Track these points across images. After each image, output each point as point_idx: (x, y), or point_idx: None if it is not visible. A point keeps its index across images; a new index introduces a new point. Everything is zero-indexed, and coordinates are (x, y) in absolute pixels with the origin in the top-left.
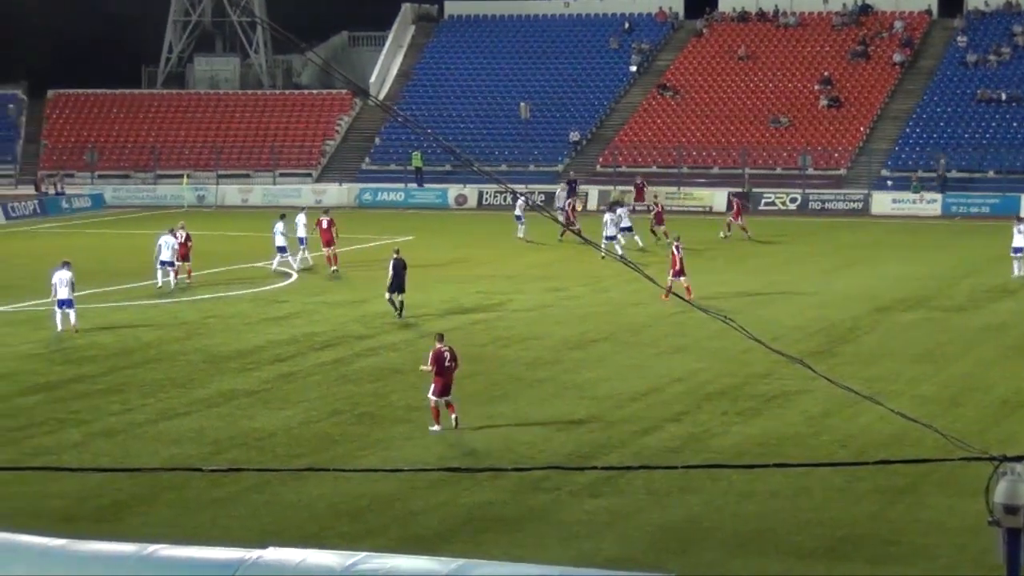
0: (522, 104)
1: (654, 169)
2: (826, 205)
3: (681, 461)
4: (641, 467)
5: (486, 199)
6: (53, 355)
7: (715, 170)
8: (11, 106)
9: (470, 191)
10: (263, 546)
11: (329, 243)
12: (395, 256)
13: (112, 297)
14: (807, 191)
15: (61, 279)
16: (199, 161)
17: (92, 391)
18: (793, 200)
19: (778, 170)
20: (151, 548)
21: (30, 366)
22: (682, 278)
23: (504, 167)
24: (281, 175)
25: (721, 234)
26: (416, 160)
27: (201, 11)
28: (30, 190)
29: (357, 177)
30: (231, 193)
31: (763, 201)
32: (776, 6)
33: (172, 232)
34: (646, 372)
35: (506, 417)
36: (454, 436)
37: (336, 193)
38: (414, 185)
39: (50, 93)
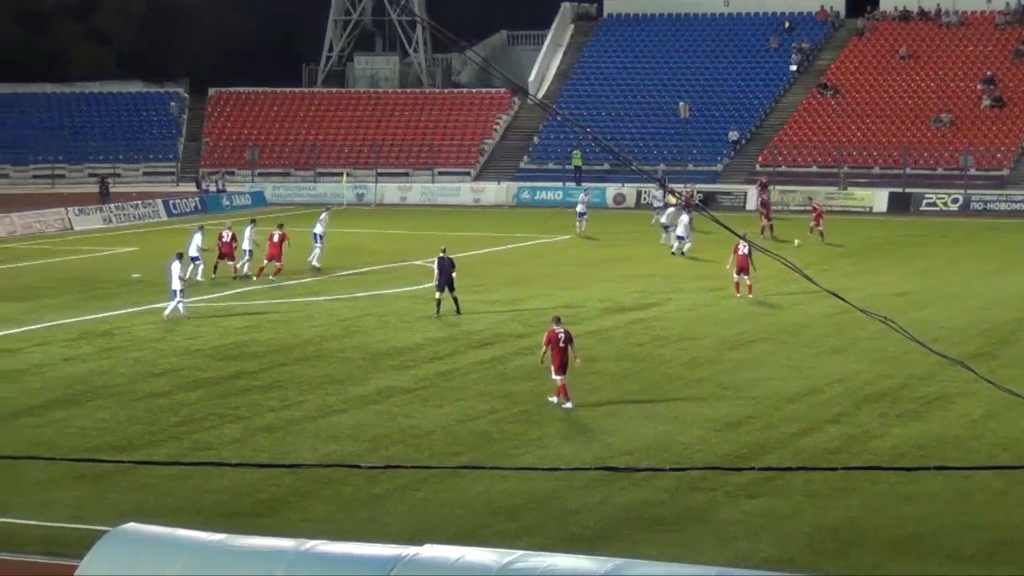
0: (681, 103)
1: (814, 169)
2: (988, 206)
3: (840, 462)
4: (799, 468)
5: (645, 198)
6: (214, 351)
7: (875, 170)
8: (173, 104)
9: (628, 190)
10: (420, 543)
11: (274, 258)
12: (441, 255)
13: (272, 294)
14: (969, 192)
15: (174, 270)
16: (359, 159)
17: (252, 387)
18: (955, 201)
19: (939, 170)
20: (309, 544)
21: (191, 362)
22: (745, 276)
23: (662, 166)
24: (440, 174)
25: (796, 242)
26: (576, 159)
27: (361, 10)
28: (191, 187)
29: (515, 176)
30: (390, 191)
31: (924, 202)
32: (938, 5)
33: (219, 233)
34: (805, 373)
35: (664, 417)
36: (612, 437)
37: (494, 192)
38: (572, 184)
39: (211, 91)
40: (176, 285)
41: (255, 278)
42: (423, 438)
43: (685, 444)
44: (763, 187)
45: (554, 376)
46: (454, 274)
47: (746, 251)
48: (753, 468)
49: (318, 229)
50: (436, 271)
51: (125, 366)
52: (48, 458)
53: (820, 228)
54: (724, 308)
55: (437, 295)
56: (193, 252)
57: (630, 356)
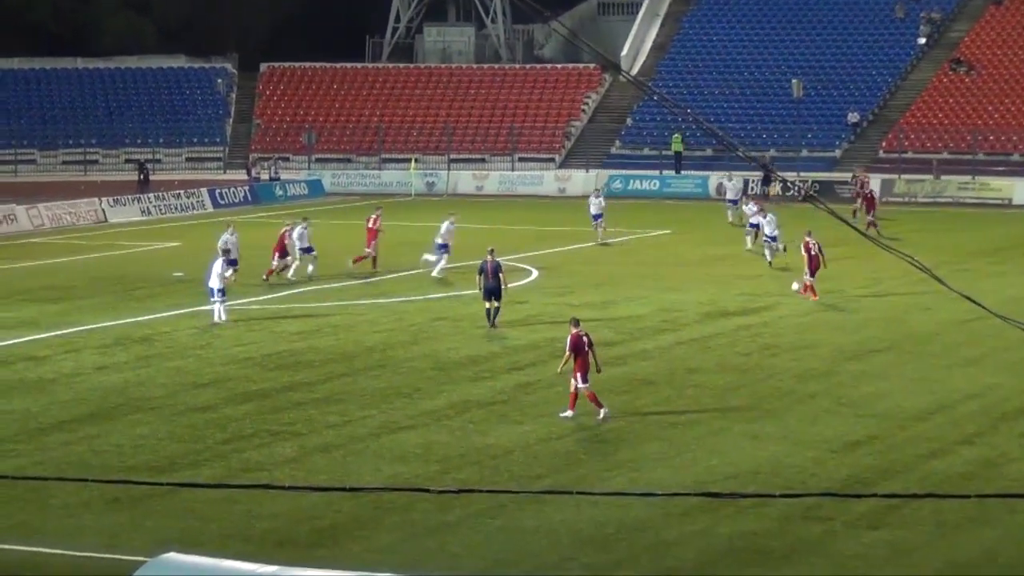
0: (794, 81)
1: (945, 155)
2: None
3: (974, 489)
4: (928, 495)
5: (752, 188)
6: (266, 360)
7: (1015, 157)
8: (220, 81)
9: (734, 179)
10: None
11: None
12: (488, 258)
13: (332, 295)
14: None
15: (216, 269)
16: (428, 144)
17: (308, 400)
18: None
19: None
20: None
21: (240, 372)
22: (808, 276)
23: (773, 152)
24: (520, 160)
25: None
26: (676, 143)
27: None
28: (240, 175)
29: (605, 162)
30: (464, 179)
31: None
32: None
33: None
34: (934, 387)
35: (773, 436)
36: (715, 459)
37: (582, 180)
38: (671, 172)
39: (263, 67)
40: (217, 284)
41: (352, 264)
42: (501, 459)
43: (797, 467)
44: (861, 183)
45: (580, 385)
46: (502, 280)
47: (816, 250)
48: (875, 495)
49: (303, 243)
50: (479, 277)
51: (165, 376)
52: (79, 479)
53: (871, 218)
54: (842, 313)
55: (486, 305)
56: (305, 243)
57: (735, 367)
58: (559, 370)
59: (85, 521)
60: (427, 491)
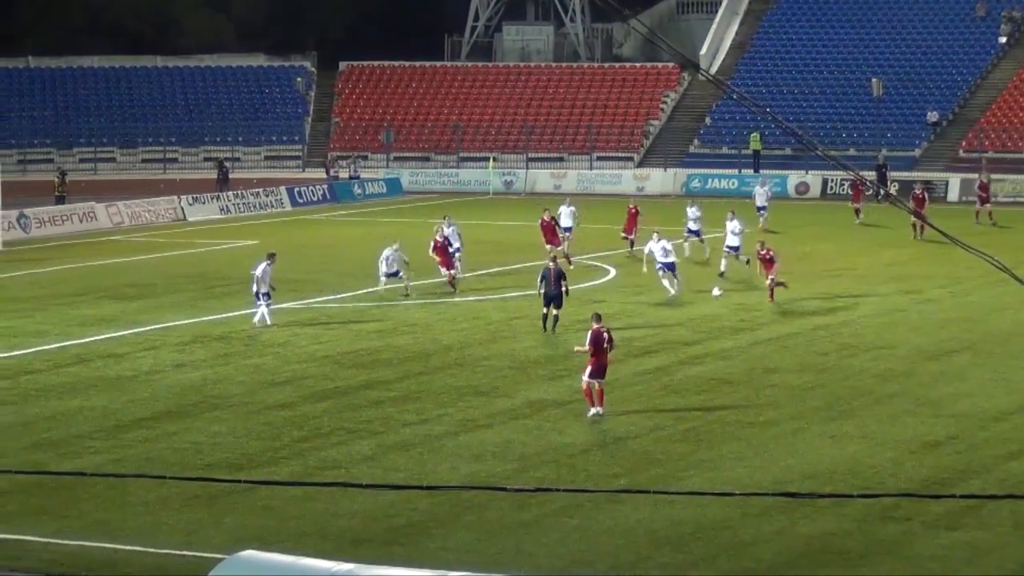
0: (874, 80)
1: None
2: None
3: None
4: (1007, 496)
5: (831, 188)
6: (343, 358)
7: None
8: (299, 79)
9: (812, 178)
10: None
11: (553, 243)
12: (550, 264)
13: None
14: None
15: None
16: (507, 142)
17: (385, 399)
18: None
19: None
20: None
21: (318, 370)
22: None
23: (852, 151)
24: (598, 159)
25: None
26: (755, 142)
27: None
28: (319, 173)
29: (684, 162)
30: (542, 178)
31: None
32: None
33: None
34: (1014, 387)
35: (852, 437)
36: (793, 458)
37: (660, 179)
38: (750, 170)
39: (342, 65)
40: (262, 287)
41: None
42: (577, 457)
43: (876, 468)
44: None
45: (589, 379)
46: (564, 288)
47: (768, 253)
48: (954, 495)
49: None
50: (539, 282)
51: (244, 374)
52: (158, 476)
53: (985, 207)
54: (921, 313)
55: (544, 311)
56: (458, 243)
57: (814, 367)
58: (575, 348)
59: (164, 518)
60: (504, 489)
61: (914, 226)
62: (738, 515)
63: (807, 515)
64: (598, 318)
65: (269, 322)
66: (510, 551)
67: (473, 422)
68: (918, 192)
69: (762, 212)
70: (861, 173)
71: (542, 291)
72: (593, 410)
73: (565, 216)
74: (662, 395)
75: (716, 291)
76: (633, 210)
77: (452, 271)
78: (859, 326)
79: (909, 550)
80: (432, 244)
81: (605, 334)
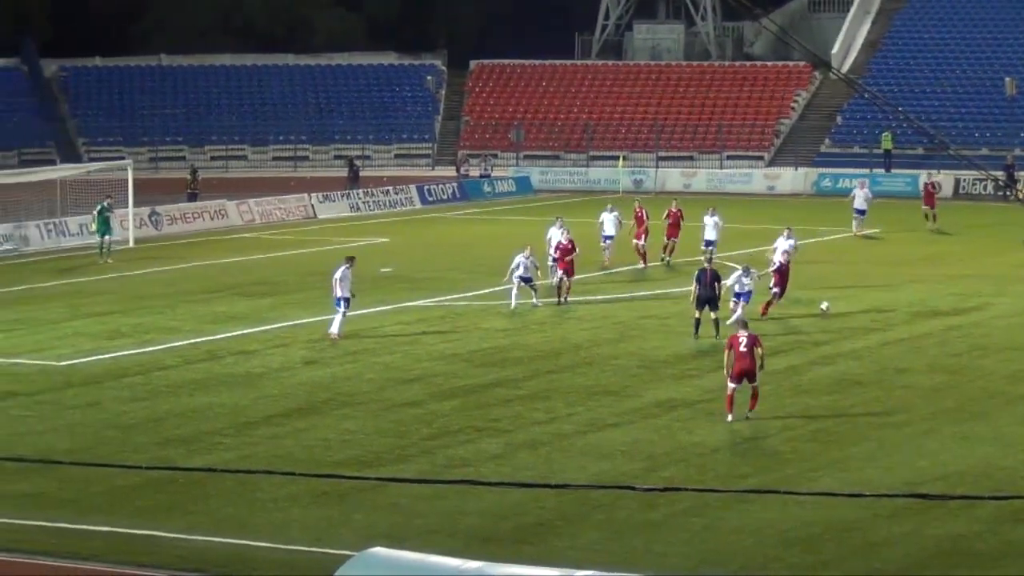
0: (1007, 79)
1: None
2: None
3: None
4: None
5: (963, 187)
6: (472, 356)
7: None
8: (429, 78)
9: (945, 178)
10: None
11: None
12: (706, 265)
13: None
14: None
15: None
16: (637, 141)
17: (514, 397)
18: None
19: None
20: (578, 574)
21: (446, 368)
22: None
23: (985, 151)
24: (728, 158)
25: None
26: (886, 142)
27: None
28: (449, 171)
29: (815, 161)
30: (672, 177)
31: None
32: None
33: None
34: None
35: (984, 438)
36: (924, 460)
37: (791, 179)
38: (881, 170)
39: (473, 64)
40: (344, 292)
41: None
42: (706, 457)
43: (1009, 469)
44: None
45: (728, 382)
46: (720, 290)
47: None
48: None
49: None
50: (695, 285)
51: (373, 371)
52: (287, 473)
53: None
54: None
55: (697, 314)
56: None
57: (945, 367)
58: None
59: (292, 515)
60: (633, 489)
61: (926, 216)
62: (868, 516)
63: (938, 517)
64: (744, 324)
65: (337, 333)
66: (639, 550)
67: (602, 421)
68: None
69: (859, 216)
70: (992, 172)
71: (696, 293)
72: (728, 417)
73: (608, 223)
74: (792, 394)
75: (824, 305)
76: (676, 212)
77: (568, 279)
78: (991, 327)
79: None
80: (553, 255)
81: (742, 338)
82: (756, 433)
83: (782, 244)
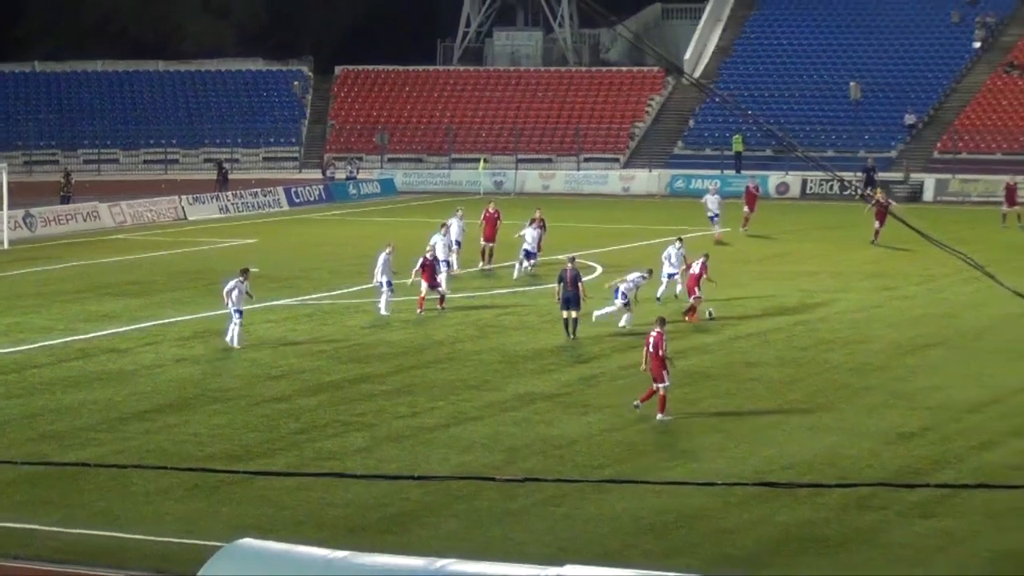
0: (852, 84)
1: (999, 156)
2: None
3: None
4: (979, 486)
5: (810, 188)
6: (338, 352)
7: None
8: (296, 83)
9: (792, 179)
10: (560, 564)
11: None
12: (568, 266)
13: (401, 291)
14: None
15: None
16: (497, 144)
17: (378, 392)
18: None
19: None
20: (440, 563)
21: (313, 364)
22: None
23: (831, 152)
24: (586, 160)
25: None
26: (737, 144)
27: None
28: (315, 174)
29: (669, 163)
30: (531, 179)
31: None
32: None
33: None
34: (986, 381)
35: (829, 428)
36: (772, 449)
37: (646, 180)
38: (732, 172)
39: (338, 70)
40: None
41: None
42: (565, 449)
43: (853, 458)
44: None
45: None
46: (582, 290)
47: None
48: (928, 485)
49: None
50: (558, 285)
51: (241, 368)
52: (158, 467)
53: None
54: (897, 310)
55: (563, 315)
56: (461, 238)
57: (793, 361)
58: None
59: (165, 508)
60: (493, 479)
61: (876, 232)
62: (720, 504)
63: (786, 504)
64: (661, 322)
65: (237, 345)
66: (499, 539)
67: (463, 414)
68: (882, 200)
69: (715, 220)
70: (839, 174)
71: (560, 294)
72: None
73: (455, 229)
74: (646, 388)
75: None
76: (493, 213)
77: (440, 290)
78: (836, 322)
79: (885, 538)
80: (420, 261)
81: (652, 336)
82: (612, 425)
83: (674, 252)
